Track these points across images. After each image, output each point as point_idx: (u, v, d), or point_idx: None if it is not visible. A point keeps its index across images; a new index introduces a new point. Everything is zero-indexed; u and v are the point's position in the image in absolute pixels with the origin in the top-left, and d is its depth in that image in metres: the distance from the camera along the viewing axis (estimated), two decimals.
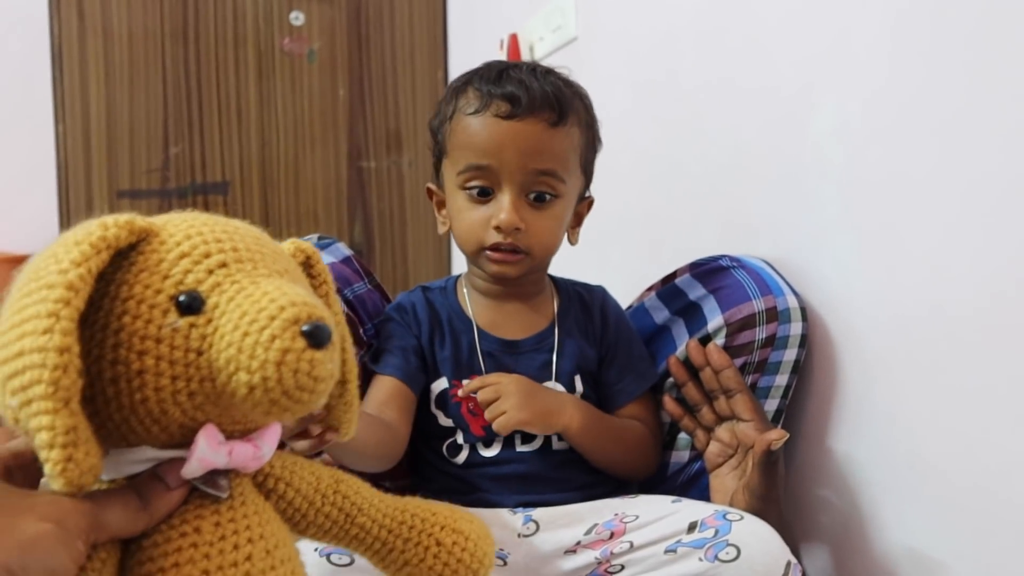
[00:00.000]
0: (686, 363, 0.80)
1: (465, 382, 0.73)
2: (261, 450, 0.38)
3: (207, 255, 0.37)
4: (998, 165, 0.61)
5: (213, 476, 0.37)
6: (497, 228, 0.71)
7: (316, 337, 0.34)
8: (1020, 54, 0.59)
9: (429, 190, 0.82)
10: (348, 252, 0.80)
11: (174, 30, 1.86)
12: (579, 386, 0.77)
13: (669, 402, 0.81)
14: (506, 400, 0.69)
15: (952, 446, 0.67)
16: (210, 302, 0.36)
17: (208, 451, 0.36)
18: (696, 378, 0.79)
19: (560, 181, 0.74)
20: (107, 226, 0.36)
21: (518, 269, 0.75)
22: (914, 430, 0.70)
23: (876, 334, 0.74)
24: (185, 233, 0.38)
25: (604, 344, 0.80)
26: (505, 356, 0.76)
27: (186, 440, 0.36)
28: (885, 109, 0.72)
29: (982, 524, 0.64)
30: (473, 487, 0.74)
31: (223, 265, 0.37)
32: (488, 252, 0.73)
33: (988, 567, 0.64)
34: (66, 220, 1.80)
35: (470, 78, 0.75)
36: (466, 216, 0.74)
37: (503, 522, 0.72)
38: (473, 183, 0.72)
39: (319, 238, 0.81)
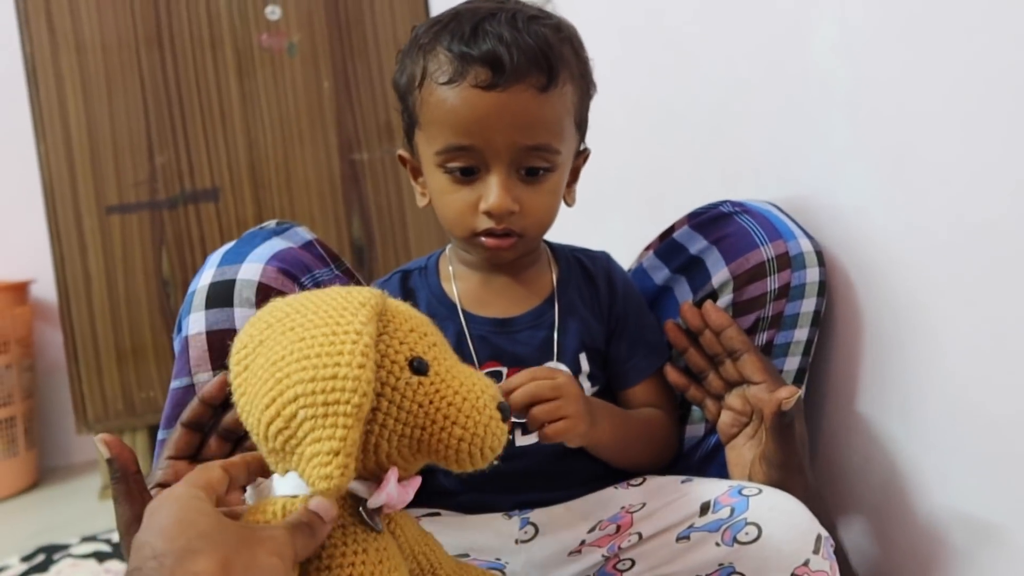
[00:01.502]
0: (686, 328, 0.71)
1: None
2: (409, 495, 0.46)
3: (425, 334, 0.48)
4: (1017, 68, 0.52)
5: (373, 510, 0.44)
6: (488, 213, 0.62)
7: (505, 413, 0.47)
8: None
9: (401, 157, 0.73)
10: (310, 236, 0.73)
11: (148, 36, 1.80)
12: (584, 365, 0.68)
13: (672, 372, 0.72)
14: (569, 404, 0.58)
15: (1000, 389, 0.58)
16: (432, 370, 0.46)
17: (393, 489, 0.44)
18: (698, 343, 0.71)
19: (555, 152, 0.63)
20: (377, 295, 0.47)
21: (514, 252, 0.66)
22: (954, 376, 0.62)
23: (902, 272, 0.66)
24: (406, 314, 0.48)
25: (612, 317, 0.71)
26: (499, 337, 0.67)
27: (368, 476, 0.45)
28: (893, 15, 0.63)
29: None
30: (466, 487, 0.65)
31: (435, 344, 0.48)
32: (481, 237, 0.64)
33: None
34: (58, 242, 1.75)
35: (438, 33, 0.62)
36: (450, 200, 0.64)
37: (498, 529, 0.64)
38: (455, 163, 0.62)
39: (277, 223, 0.74)
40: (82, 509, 1.73)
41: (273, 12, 1.87)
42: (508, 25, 0.60)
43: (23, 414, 1.92)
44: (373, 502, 0.44)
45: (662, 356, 0.73)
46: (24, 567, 1.22)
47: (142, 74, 1.80)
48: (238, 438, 0.61)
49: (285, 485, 0.43)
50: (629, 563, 0.60)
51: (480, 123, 0.59)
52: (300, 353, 0.41)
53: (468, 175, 0.62)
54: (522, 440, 0.64)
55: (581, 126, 0.69)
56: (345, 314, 0.43)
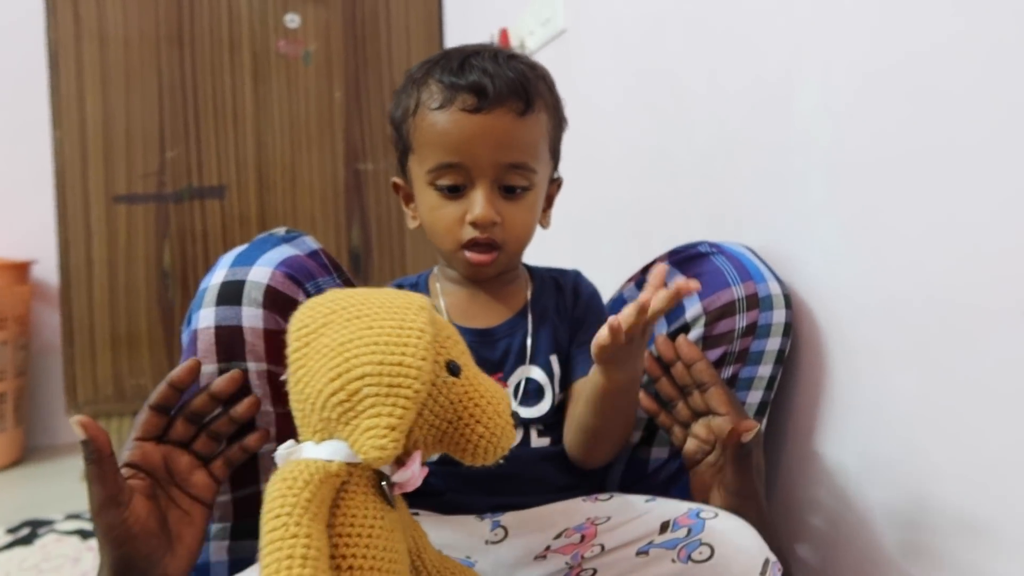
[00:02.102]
0: (658, 358, 0.76)
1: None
2: (419, 480, 0.50)
3: (457, 343, 0.54)
4: (986, 142, 0.58)
5: (390, 486, 0.49)
6: (473, 224, 0.69)
7: (517, 419, 0.58)
8: (1004, 33, 0.56)
9: (395, 184, 0.79)
10: (316, 246, 0.78)
11: (169, 34, 1.85)
12: (556, 368, 0.74)
13: (644, 398, 0.78)
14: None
15: (943, 436, 0.63)
16: (463, 373, 0.52)
17: (417, 469, 0.49)
18: (669, 373, 0.76)
19: (532, 172, 0.71)
20: (429, 303, 0.53)
21: (495, 268, 0.73)
22: (905, 420, 0.67)
23: (864, 321, 0.71)
24: (443, 323, 0.54)
25: (574, 318, 0.78)
26: (481, 347, 0.73)
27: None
28: (869, 86, 0.69)
29: (974, 516, 0.61)
30: (448, 488, 0.71)
31: (464, 352, 0.54)
32: (466, 252, 0.71)
33: (980, 558, 0.60)
34: (64, 226, 1.79)
35: (430, 69, 0.71)
36: (439, 214, 0.71)
37: (470, 529, 0.69)
38: (444, 181, 0.70)
39: (286, 231, 0.79)
40: (66, 488, 1.76)
41: (292, 20, 1.93)
42: (491, 60, 0.69)
43: (14, 391, 1.95)
44: (398, 477, 0.49)
45: None
46: (9, 539, 1.26)
47: (160, 70, 1.85)
48: (204, 422, 0.66)
49: (318, 451, 0.47)
50: (591, 572, 0.64)
51: (467, 142, 0.67)
52: (369, 339, 0.47)
53: (455, 192, 0.70)
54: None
55: (555, 154, 0.77)
56: (409, 313, 0.50)
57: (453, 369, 0.51)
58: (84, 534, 1.27)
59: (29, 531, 1.28)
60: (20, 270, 1.98)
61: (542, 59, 1.44)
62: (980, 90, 0.58)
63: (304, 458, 0.47)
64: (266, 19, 1.92)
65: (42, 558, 1.19)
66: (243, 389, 0.67)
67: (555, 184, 0.79)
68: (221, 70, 1.89)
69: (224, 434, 0.67)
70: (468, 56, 0.69)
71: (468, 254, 0.70)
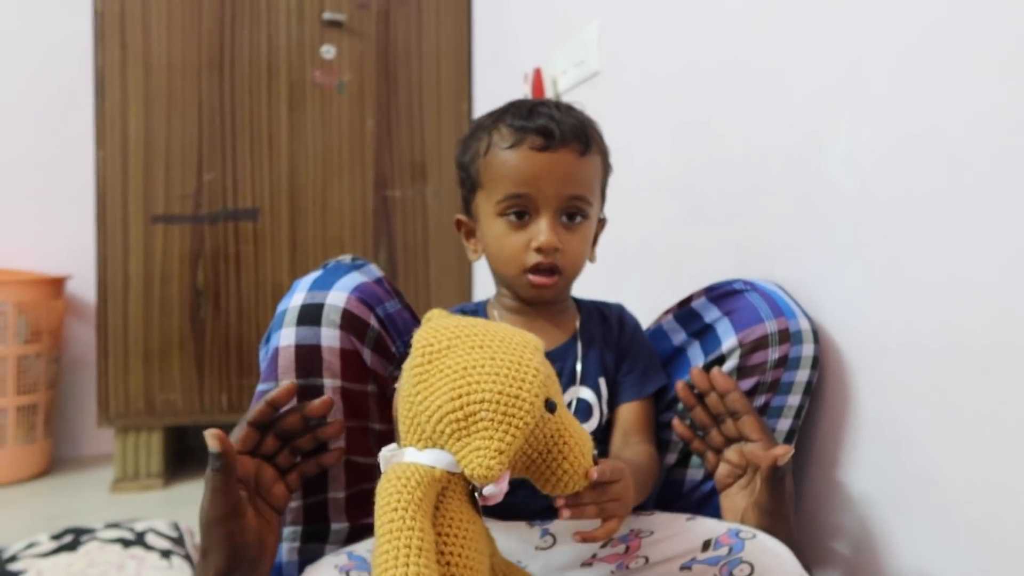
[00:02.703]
0: (694, 388, 0.83)
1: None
2: (500, 498, 0.55)
3: (555, 382, 0.60)
4: (1007, 194, 0.64)
5: (480, 496, 0.55)
6: (538, 249, 0.76)
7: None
8: (1022, 87, 0.62)
9: (459, 221, 0.86)
10: (380, 273, 0.84)
11: (211, 61, 1.93)
12: (603, 389, 0.81)
13: (679, 425, 0.84)
14: (621, 508, 0.63)
15: (963, 468, 0.69)
16: (557, 411, 0.57)
17: (505, 485, 0.54)
18: (703, 402, 0.82)
19: (588, 204, 0.79)
20: (541, 345, 0.60)
21: (554, 291, 0.79)
22: (925, 452, 0.72)
23: (887, 358, 0.77)
24: (547, 363, 0.59)
25: (620, 347, 0.84)
26: None
27: None
28: (894, 140, 0.75)
29: (991, 542, 0.66)
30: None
31: (558, 392, 0.59)
32: (529, 275, 0.77)
33: None
34: (103, 243, 1.86)
35: (501, 116, 0.79)
36: (506, 241, 0.78)
37: (521, 536, 0.74)
38: (513, 209, 0.77)
39: (352, 259, 0.85)
40: (94, 500, 1.80)
41: (328, 51, 2.01)
42: (555, 109, 0.78)
43: (45, 403, 2.01)
44: (488, 491, 0.53)
45: (655, 383, 0.83)
46: (54, 544, 1.30)
47: (201, 95, 1.93)
48: (289, 438, 0.72)
49: (421, 457, 0.53)
50: None
51: (534, 176, 0.76)
52: (490, 369, 0.53)
53: (521, 219, 0.77)
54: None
55: (603, 195, 0.85)
56: (526, 352, 0.56)
57: (550, 406, 0.56)
58: (126, 543, 1.32)
59: (73, 538, 1.33)
60: (56, 285, 2.05)
61: (574, 98, 1.51)
62: (997, 146, 0.64)
63: (408, 461, 0.53)
64: (303, 50, 2.00)
65: (87, 564, 1.24)
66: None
67: (601, 223, 0.87)
68: (259, 97, 1.97)
69: (304, 450, 0.72)
70: (535, 105, 0.78)
71: (532, 277, 0.77)
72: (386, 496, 0.50)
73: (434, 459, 0.53)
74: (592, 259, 0.86)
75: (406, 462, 0.53)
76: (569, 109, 0.80)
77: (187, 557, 1.32)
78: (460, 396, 0.52)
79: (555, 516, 0.75)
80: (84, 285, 2.14)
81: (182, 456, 2.12)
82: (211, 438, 0.63)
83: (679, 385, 0.83)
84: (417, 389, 0.55)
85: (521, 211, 0.77)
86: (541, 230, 0.76)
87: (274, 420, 0.71)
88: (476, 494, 0.55)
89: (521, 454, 0.56)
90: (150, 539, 1.35)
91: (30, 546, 1.31)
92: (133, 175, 1.89)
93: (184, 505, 1.74)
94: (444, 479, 0.53)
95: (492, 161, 0.78)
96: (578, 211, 0.78)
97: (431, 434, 0.53)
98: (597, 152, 0.80)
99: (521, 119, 0.77)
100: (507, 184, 0.76)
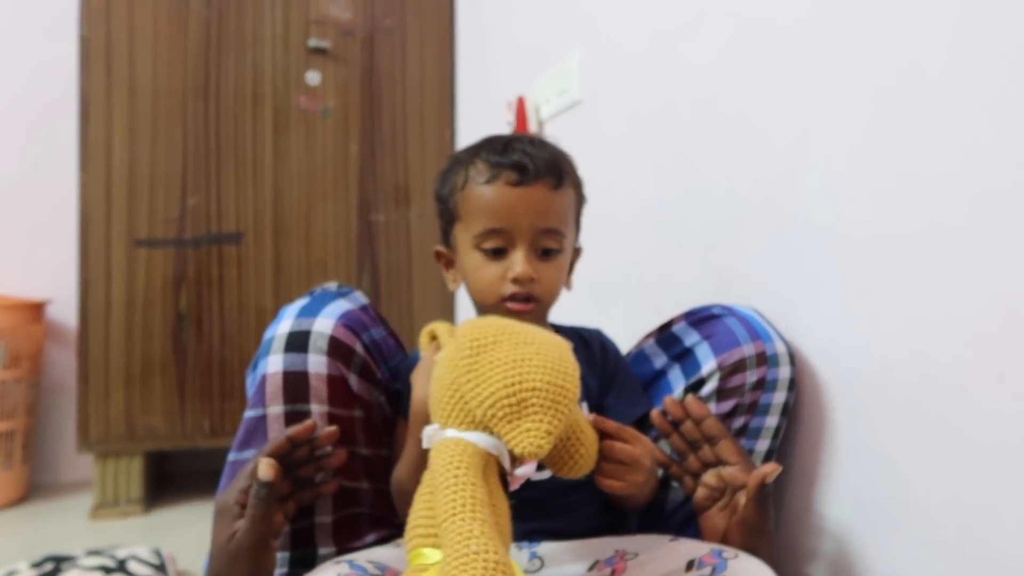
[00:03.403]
0: (668, 416, 0.84)
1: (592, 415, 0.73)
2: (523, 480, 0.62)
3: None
4: (974, 223, 0.67)
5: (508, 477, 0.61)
6: (514, 280, 0.78)
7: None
8: (990, 115, 0.65)
9: (438, 252, 0.88)
10: (365, 300, 0.86)
11: (196, 87, 1.95)
12: (585, 410, 0.81)
13: (657, 452, 0.85)
14: (638, 475, 0.71)
15: (936, 489, 0.71)
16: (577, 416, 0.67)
17: (534, 467, 0.60)
18: (678, 430, 0.83)
19: (563, 236, 0.81)
20: (571, 347, 0.66)
21: (532, 317, 0.81)
22: (899, 473, 0.74)
23: (861, 381, 0.79)
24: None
25: (605, 373, 0.86)
26: None
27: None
28: (869, 170, 0.78)
29: (964, 559, 0.68)
30: None
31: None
32: (507, 303, 0.80)
33: None
34: (85, 267, 1.85)
35: (477, 151, 0.82)
36: (484, 273, 0.80)
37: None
38: (489, 243, 0.79)
39: (338, 286, 0.86)
40: (73, 527, 1.78)
41: (313, 78, 2.04)
42: (529, 144, 0.81)
43: (23, 429, 1.99)
44: (521, 471, 0.60)
45: (642, 408, 0.86)
46: (34, 573, 1.29)
47: (186, 120, 1.94)
48: (293, 467, 0.73)
49: (463, 436, 0.59)
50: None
51: (510, 210, 0.78)
52: (539, 361, 0.60)
53: (498, 254, 0.80)
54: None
55: (577, 225, 0.87)
56: (566, 351, 0.64)
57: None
58: (107, 570, 1.31)
59: (53, 566, 1.32)
60: (36, 310, 2.03)
61: (556, 127, 1.54)
62: (963, 177, 0.67)
63: (451, 438, 0.59)
64: (288, 76, 2.02)
65: None
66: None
67: (576, 252, 0.89)
68: (243, 123, 1.99)
69: (305, 479, 0.73)
70: (510, 140, 0.81)
71: (510, 304, 0.80)
72: (446, 457, 0.56)
73: (476, 439, 0.59)
74: (568, 286, 0.88)
75: (457, 439, 0.59)
76: (543, 144, 0.83)
77: None
78: (513, 384, 0.58)
79: (543, 539, 0.76)
80: (64, 309, 2.13)
81: (163, 481, 2.10)
82: (267, 467, 0.65)
83: (654, 414, 0.84)
84: (468, 377, 0.60)
85: (497, 246, 0.79)
86: (517, 261, 0.78)
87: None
88: (508, 475, 0.61)
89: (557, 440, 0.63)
90: (132, 566, 1.34)
91: (10, 574, 1.30)
92: (116, 199, 1.89)
93: (165, 531, 1.73)
94: (485, 457, 0.59)
95: (469, 195, 0.80)
96: (552, 244, 0.81)
97: (481, 417, 0.59)
98: (570, 185, 0.83)
99: (496, 155, 0.79)
100: (483, 218, 0.79)
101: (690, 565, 0.70)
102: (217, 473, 0.81)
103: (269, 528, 0.64)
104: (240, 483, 0.69)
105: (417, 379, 0.75)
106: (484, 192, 0.79)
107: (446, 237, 0.86)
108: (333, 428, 0.73)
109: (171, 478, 2.14)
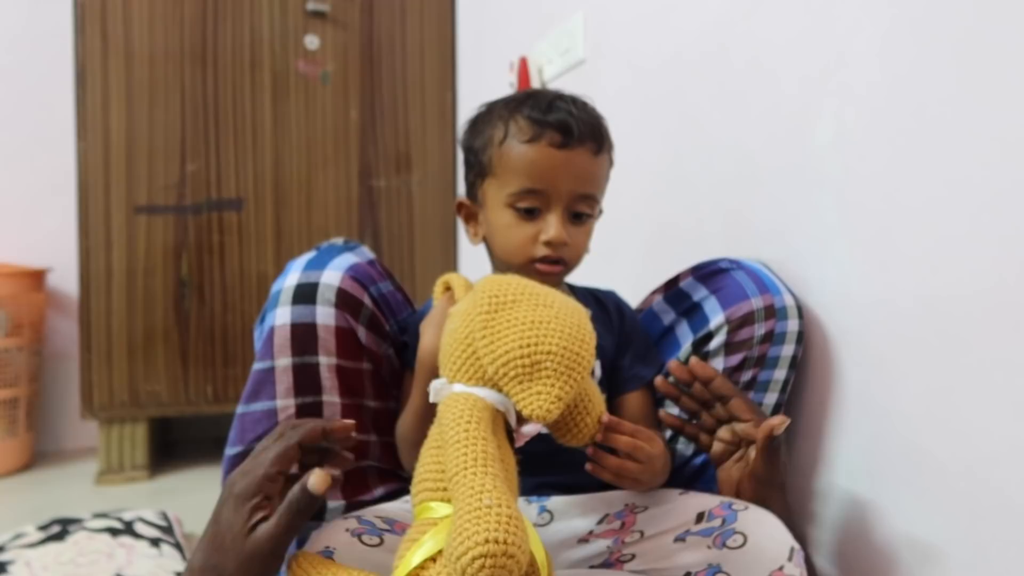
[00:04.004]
0: (675, 381, 0.83)
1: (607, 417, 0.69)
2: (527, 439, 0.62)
3: None
4: (983, 175, 0.66)
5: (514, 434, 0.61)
6: (547, 243, 0.77)
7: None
8: (1004, 68, 0.64)
9: (460, 204, 0.86)
10: (372, 255, 0.85)
11: (193, 52, 1.92)
12: (598, 371, 0.82)
13: (667, 416, 0.84)
14: (644, 473, 0.69)
15: (945, 435, 0.71)
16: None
17: (540, 426, 0.60)
18: (686, 393, 0.82)
19: (596, 202, 0.80)
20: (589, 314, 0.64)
21: (558, 279, 0.80)
22: (910, 423, 0.74)
23: (872, 332, 0.79)
24: None
25: (621, 334, 0.85)
26: None
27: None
28: (879, 122, 0.77)
29: (975, 508, 0.68)
30: None
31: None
32: (536, 265, 0.78)
33: (981, 548, 0.68)
34: (85, 235, 1.84)
35: (518, 107, 0.79)
36: (515, 232, 0.78)
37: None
38: (524, 203, 0.77)
39: (344, 241, 0.86)
40: (78, 493, 1.79)
41: (312, 42, 2.01)
42: (573, 104, 0.78)
43: (26, 397, 1.99)
44: (527, 429, 0.61)
45: (655, 368, 0.85)
46: (41, 535, 1.30)
47: (184, 86, 1.92)
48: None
49: (471, 391, 0.59)
50: (630, 556, 0.71)
51: (550, 173, 0.76)
52: (556, 325, 0.59)
53: (531, 214, 0.77)
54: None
55: (605, 190, 0.84)
56: (584, 318, 0.62)
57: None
58: (114, 532, 1.32)
59: (60, 528, 1.33)
60: (36, 278, 2.03)
61: (560, 87, 1.52)
62: (979, 128, 0.66)
63: (457, 392, 0.59)
64: (287, 40, 1.99)
65: (76, 553, 1.23)
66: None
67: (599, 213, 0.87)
68: (242, 88, 1.96)
69: (309, 465, 0.66)
70: (555, 98, 0.78)
71: (539, 266, 0.78)
72: (456, 412, 0.56)
73: (484, 395, 0.59)
74: (588, 249, 0.86)
75: (467, 394, 0.58)
76: (585, 106, 0.80)
77: (176, 545, 1.32)
78: (529, 345, 0.57)
79: (552, 493, 0.76)
80: (65, 278, 2.12)
81: (167, 448, 2.11)
82: (322, 482, 0.57)
83: (658, 381, 0.83)
84: (483, 334, 0.59)
85: (532, 206, 0.77)
86: (551, 224, 0.76)
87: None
88: (514, 432, 0.60)
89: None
90: (139, 528, 1.34)
91: (17, 537, 1.30)
92: (115, 166, 1.87)
93: (171, 496, 1.74)
94: (493, 413, 0.58)
95: (508, 153, 0.77)
96: (586, 210, 0.79)
97: (492, 375, 0.58)
98: (607, 150, 0.81)
99: (540, 112, 0.76)
100: (522, 179, 0.76)
101: (700, 517, 0.70)
102: (221, 440, 0.80)
103: (295, 535, 0.58)
104: (266, 469, 0.59)
105: (427, 328, 0.74)
106: (525, 151, 0.76)
107: (472, 189, 0.84)
108: (349, 422, 0.66)
109: (176, 444, 2.15)
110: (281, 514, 0.57)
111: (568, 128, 0.75)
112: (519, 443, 0.61)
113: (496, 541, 0.45)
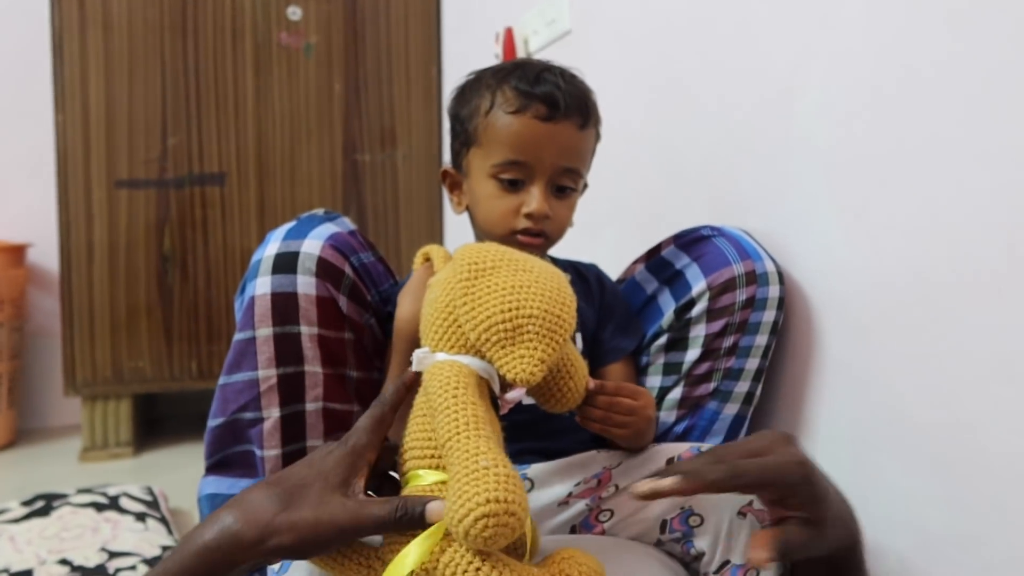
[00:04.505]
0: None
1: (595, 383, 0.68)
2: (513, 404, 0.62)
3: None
4: (968, 143, 0.66)
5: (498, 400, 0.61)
6: (528, 215, 0.76)
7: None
8: (992, 35, 0.64)
9: (445, 172, 0.85)
10: (353, 226, 0.84)
11: (173, 23, 1.89)
12: (579, 343, 0.82)
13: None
14: (631, 427, 0.69)
15: (929, 403, 0.71)
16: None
17: (523, 392, 0.61)
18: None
19: (580, 176, 0.80)
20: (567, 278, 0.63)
21: (540, 251, 0.80)
22: (892, 389, 0.75)
23: (858, 300, 0.79)
24: None
25: (602, 307, 0.85)
26: None
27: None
28: (864, 92, 0.77)
29: (955, 470, 0.69)
30: None
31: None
32: (518, 236, 0.78)
33: (961, 508, 0.68)
34: (65, 209, 1.82)
35: (506, 77, 0.78)
36: (497, 203, 0.78)
37: None
38: (507, 175, 0.77)
39: (325, 212, 0.85)
40: (63, 470, 1.79)
41: (294, 13, 1.98)
42: (561, 77, 0.77)
43: (8, 374, 1.97)
44: (512, 395, 0.60)
45: (638, 339, 0.87)
46: (25, 510, 1.29)
47: (164, 58, 1.89)
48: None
49: (455, 359, 0.59)
50: (608, 514, 0.72)
51: (534, 145, 0.75)
52: (536, 289, 0.59)
53: (514, 186, 0.77)
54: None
55: (590, 163, 0.84)
56: (563, 282, 0.62)
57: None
58: (99, 507, 1.31)
59: (44, 503, 1.32)
60: (16, 253, 2.00)
61: (546, 58, 1.51)
62: (965, 97, 0.66)
63: (440, 361, 0.59)
64: (269, 11, 1.96)
65: (61, 528, 1.23)
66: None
67: (583, 187, 0.86)
68: (223, 60, 1.93)
69: None
70: (543, 70, 0.78)
71: (521, 238, 0.78)
72: (443, 379, 0.56)
73: (467, 362, 0.58)
74: (571, 223, 0.86)
75: (452, 361, 0.58)
76: (573, 78, 0.80)
77: (162, 520, 1.32)
78: (510, 309, 0.57)
79: (533, 460, 0.77)
80: (46, 253, 2.09)
81: (152, 425, 2.10)
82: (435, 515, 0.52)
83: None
84: (464, 300, 0.59)
85: (516, 178, 0.77)
86: (533, 196, 0.76)
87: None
88: (499, 398, 0.60)
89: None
90: (124, 503, 1.34)
91: (1, 512, 1.30)
92: (95, 139, 1.84)
93: (156, 472, 1.74)
94: (477, 379, 0.58)
95: (493, 123, 0.77)
96: (569, 183, 0.79)
97: (475, 341, 0.58)
98: (594, 124, 0.81)
99: (527, 84, 0.76)
100: (506, 150, 0.76)
101: (669, 462, 0.71)
102: (206, 416, 0.80)
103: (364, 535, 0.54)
104: (368, 437, 0.57)
105: (404, 297, 0.74)
106: (510, 122, 0.76)
107: (457, 158, 0.83)
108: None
109: (161, 421, 2.14)
110: (362, 418, 0.57)
111: (555, 101, 0.75)
112: (504, 410, 0.60)
113: (497, 500, 0.46)
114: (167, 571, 0.51)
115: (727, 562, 0.65)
